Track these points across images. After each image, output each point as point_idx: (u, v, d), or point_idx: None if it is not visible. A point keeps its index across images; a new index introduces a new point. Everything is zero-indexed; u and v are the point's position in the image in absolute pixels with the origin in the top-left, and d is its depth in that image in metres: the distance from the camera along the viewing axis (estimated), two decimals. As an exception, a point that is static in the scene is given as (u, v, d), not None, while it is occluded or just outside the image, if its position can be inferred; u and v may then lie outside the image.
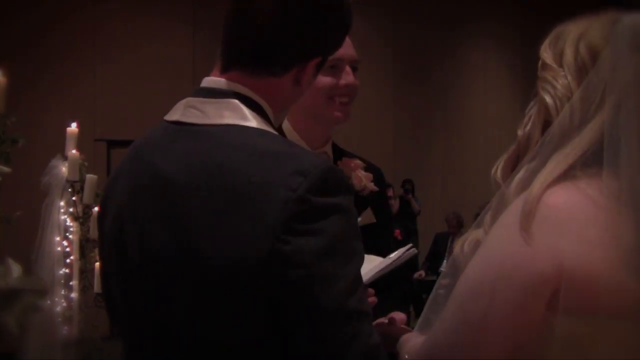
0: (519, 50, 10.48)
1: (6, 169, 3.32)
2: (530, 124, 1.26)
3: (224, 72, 1.23)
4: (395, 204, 8.94)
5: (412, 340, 1.42)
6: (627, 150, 1.13)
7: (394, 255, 1.73)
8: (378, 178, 2.04)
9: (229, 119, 1.17)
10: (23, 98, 6.06)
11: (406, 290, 2.33)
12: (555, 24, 1.30)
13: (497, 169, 1.29)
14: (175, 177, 1.15)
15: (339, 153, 2.04)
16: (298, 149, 1.17)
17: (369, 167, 2.04)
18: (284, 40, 1.20)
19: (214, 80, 1.24)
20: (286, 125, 1.97)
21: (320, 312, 1.06)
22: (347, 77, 1.88)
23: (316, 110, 1.90)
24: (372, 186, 2.00)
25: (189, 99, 1.23)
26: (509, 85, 10.55)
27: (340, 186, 1.12)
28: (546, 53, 1.26)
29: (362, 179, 1.99)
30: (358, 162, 2.03)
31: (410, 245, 1.79)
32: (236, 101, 1.19)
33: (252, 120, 1.17)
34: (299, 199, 1.06)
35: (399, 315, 1.57)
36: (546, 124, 1.23)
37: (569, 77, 1.20)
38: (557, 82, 1.21)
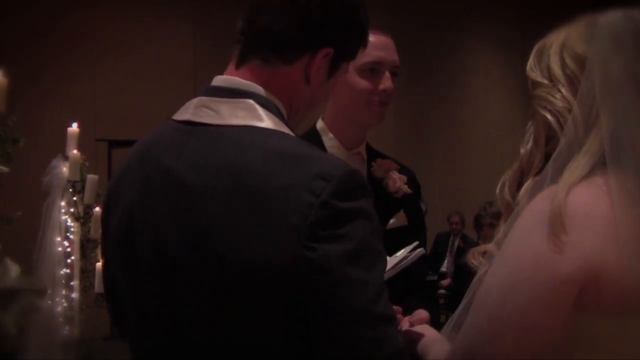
0: (519, 50, 10.43)
1: (6, 169, 3.32)
2: (531, 142, 1.26)
3: (239, 65, 1.21)
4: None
5: (436, 347, 1.40)
6: (631, 145, 1.14)
7: (400, 254, 1.71)
8: (411, 180, 2.03)
9: (244, 119, 1.15)
10: (24, 98, 6.06)
11: (428, 289, 2.30)
12: (556, 23, 1.30)
13: (504, 188, 1.29)
14: (190, 178, 1.12)
15: (373, 154, 2.02)
16: (316, 151, 1.14)
17: (402, 169, 2.03)
18: (296, 21, 1.19)
19: (226, 79, 1.21)
20: (320, 125, 1.96)
21: (349, 316, 1.05)
22: (386, 82, 1.90)
23: (352, 112, 1.89)
24: (406, 188, 1.98)
25: (201, 98, 1.20)
26: (510, 85, 10.52)
27: (362, 189, 1.10)
28: (533, 72, 1.27)
29: (397, 180, 1.98)
30: (393, 163, 2.02)
31: (416, 243, 1.77)
32: (251, 101, 1.16)
33: (267, 121, 1.15)
34: (324, 204, 1.05)
35: (421, 314, 1.55)
36: (548, 140, 1.23)
37: (563, 90, 1.21)
38: (554, 96, 1.21)
